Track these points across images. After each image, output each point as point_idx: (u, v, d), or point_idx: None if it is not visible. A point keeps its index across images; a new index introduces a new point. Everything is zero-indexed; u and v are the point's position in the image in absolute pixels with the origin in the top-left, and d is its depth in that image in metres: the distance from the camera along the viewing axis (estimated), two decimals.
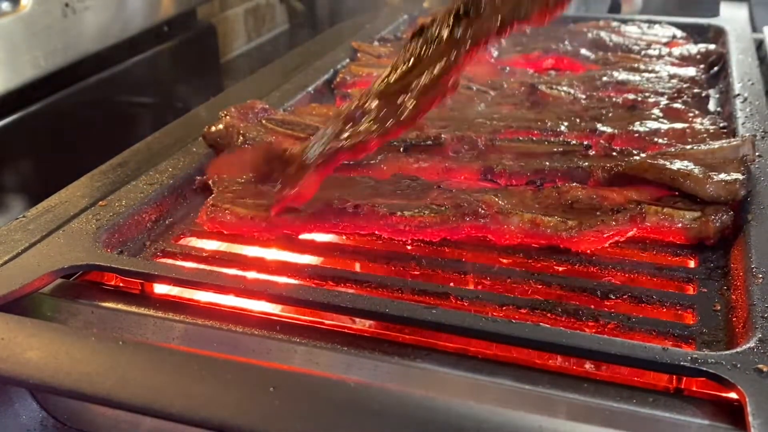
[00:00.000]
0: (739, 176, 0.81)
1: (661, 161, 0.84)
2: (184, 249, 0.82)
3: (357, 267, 0.80)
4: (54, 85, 1.32)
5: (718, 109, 1.14)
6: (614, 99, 1.09)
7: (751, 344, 0.61)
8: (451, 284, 0.75)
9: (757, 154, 0.89)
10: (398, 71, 0.80)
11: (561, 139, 0.96)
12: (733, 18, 1.51)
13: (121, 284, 0.77)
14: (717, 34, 1.43)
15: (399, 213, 0.80)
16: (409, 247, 0.82)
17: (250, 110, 1.03)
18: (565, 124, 1.00)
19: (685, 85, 1.14)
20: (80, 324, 0.72)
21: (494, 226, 0.80)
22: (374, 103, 0.79)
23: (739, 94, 1.11)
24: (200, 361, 0.58)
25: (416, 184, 0.87)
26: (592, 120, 1.02)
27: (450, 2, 0.81)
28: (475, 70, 1.25)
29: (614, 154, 0.91)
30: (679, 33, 1.42)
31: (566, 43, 1.35)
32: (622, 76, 1.18)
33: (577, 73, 1.26)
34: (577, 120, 1.02)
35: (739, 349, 0.60)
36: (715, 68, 1.28)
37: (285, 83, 1.22)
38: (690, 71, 1.21)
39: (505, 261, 0.80)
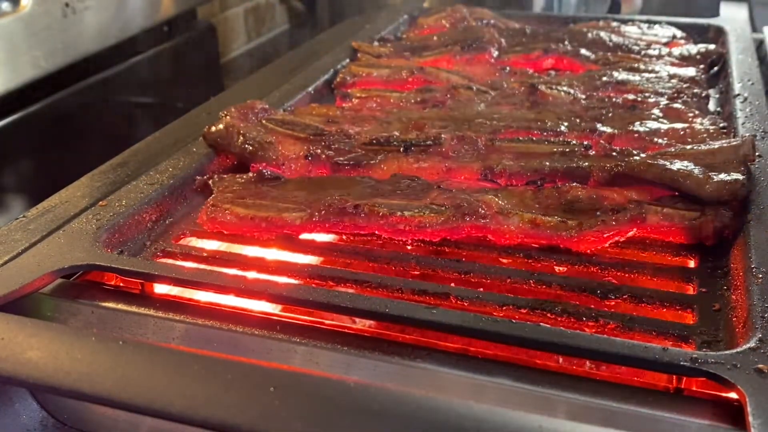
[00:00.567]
0: (739, 176, 0.81)
1: (661, 161, 0.84)
2: (184, 249, 0.82)
3: (357, 267, 0.80)
4: (54, 85, 1.32)
5: (718, 109, 1.14)
6: (614, 99, 1.09)
7: (751, 344, 0.61)
8: (451, 284, 0.75)
9: (757, 154, 0.89)
10: None
11: (561, 139, 0.96)
12: (733, 18, 1.51)
13: (121, 284, 0.77)
14: (717, 34, 1.43)
15: (399, 213, 0.81)
16: (409, 247, 0.83)
17: (250, 110, 1.03)
18: (565, 124, 1.00)
19: (685, 85, 1.14)
20: (80, 324, 0.72)
21: (494, 226, 0.80)
22: None
23: (739, 94, 1.11)
24: (200, 361, 0.58)
25: (416, 184, 0.87)
26: (592, 120, 1.02)
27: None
28: (475, 70, 1.25)
29: (614, 154, 0.91)
30: (679, 33, 1.42)
31: (566, 43, 1.35)
32: (622, 76, 1.18)
33: (577, 73, 1.26)
34: (577, 120, 1.02)
35: (739, 349, 0.60)
36: (715, 68, 1.28)
37: (285, 83, 1.22)
38: (690, 71, 1.21)
39: (505, 261, 0.80)
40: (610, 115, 1.03)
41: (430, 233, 0.81)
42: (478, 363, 0.63)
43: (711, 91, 1.17)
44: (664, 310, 0.71)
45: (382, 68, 1.27)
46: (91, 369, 0.58)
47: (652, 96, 1.10)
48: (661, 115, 1.03)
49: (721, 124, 0.99)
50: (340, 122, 1.04)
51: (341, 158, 0.94)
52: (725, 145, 0.87)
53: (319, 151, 0.94)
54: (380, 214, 0.81)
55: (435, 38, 1.41)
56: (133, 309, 0.72)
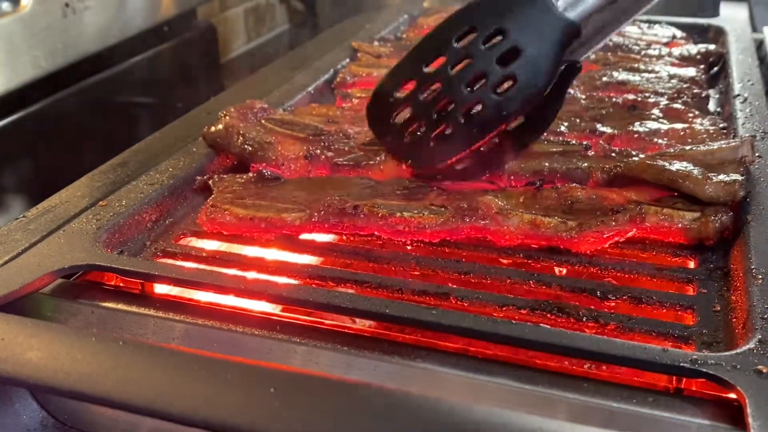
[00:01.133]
0: (738, 177, 0.81)
1: (660, 162, 0.84)
2: (184, 249, 0.82)
3: (357, 267, 0.80)
4: (54, 85, 1.32)
5: (718, 109, 1.14)
6: (614, 99, 1.09)
7: (751, 345, 0.61)
8: (451, 284, 0.75)
9: (756, 154, 0.89)
10: None
11: (560, 139, 0.96)
12: (733, 18, 1.51)
13: (121, 284, 0.77)
14: (717, 34, 1.43)
15: (398, 214, 0.81)
16: (409, 247, 0.83)
17: (250, 110, 1.03)
18: (565, 124, 1.00)
19: (685, 86, 1.14)
20: (80, 324, 0.72)
21: (494, 227, 0.80)
22: None
23: (739, 95, 1.11)
24: (200, 361, 0.58)
25: (415, 185, 0.87)
26: (592, 120, 1.02)
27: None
28: None
29: (614, 155, 0.91)
30: (679, 33, 1.42)
31: None
32: (622, 76, 1.18)
33: None
34: (577, 120, 1.02)
35: (738, 350, 0.60)
36: (715, 68, 1.28)
37: (285, 83, 1.22)
38: (690, 71, 1.21)
39: (505, 261, 0.80)
40: (609, 115, 1.03)
41: (429, 234, 0.81)
42: (478, 363, 0.63)
43: (711, 92, 1.17)
44: (664, 310, 0.71)
45: (382, 68, 1.26)
46: (91, 369, 0.58)
47: (652, 96, 1.10)
48: (661, 115, 1.03)
49: (721, 125, 0.99)
50: (340, 122, 1.04)
51: (341, 158, 0.94)
52: (724, 145, 0.87)
53: (318, 151, 0.94)
54: (380, 215, 0.81)
55: None
56: (133, 309, 0.72)
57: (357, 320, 0.71)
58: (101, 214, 0.83)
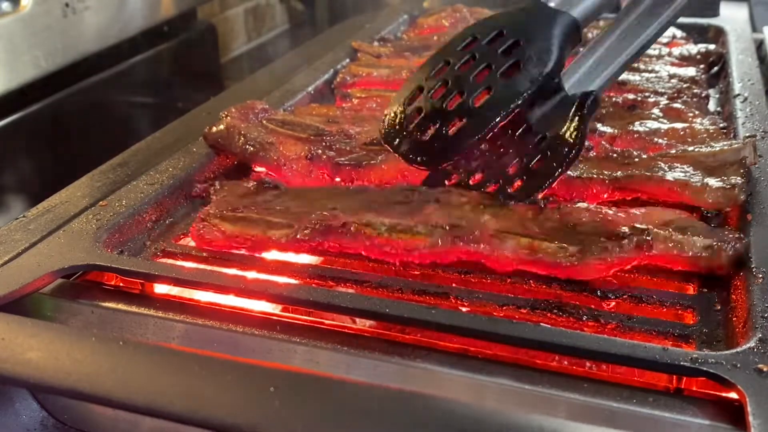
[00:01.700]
0: (738, 181, 0.81)
1: (659, 174, 0.84)
2: (184, 249, 0.82)
3: (357, 267, 0.79)
4: (54, 85, 1.32)
5: (718, 109, 1.14)
6: (614, 99, 1.09)
7: (752, 344, 0.61)
8: (452, 284, 0.75)
9: (758, 155, 0.88)
10: None
11: None
12: (733, 18, 1.51)
13: (121, 284, 0.77)
14: (717, 34, 1.43)
15: (386, 234, 0.77)
16: None
17: (251, 111, 1.02)
18: None
19: (685, 85, 1.14)
20: (80, 324, 0.72)
21: (488, 252, 0.75)
22: None
23: (739, 94, 1.11)
24: (200, 361, 0.58)
25: (414, 197, 0.83)
26: (592, 120, 1.02)
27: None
28: None
29: (615, 155, 0.91)
30: (679, 33, 1.42)
31: None
32: (622, 75, 1.18)
33: None
34: None
35: (739, 349, 0.60)
36: (715, 68, 1.28)
37: (285, 83, 1.22)
38: (690, 71, 1.21)
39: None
40: (609, 114, 1.03)
41: (418, 257, 0.77)
42: (478, 363, 0.63)
43: (711, 91, 1.17)
44: (664, 310, 0.71)
45: (382, 68, 1.26)
46: (91, 369, 0.58)
47: (652, 96, 1.09)
48: (661, 115, 1.02)
49: (721, 124, 0.99)
50: (340, 122, 1.04)
51: (342, 158, 0.93)
52: (726, 147, 0.87)
53: (320, 151, 0.94)
54: (366, 234, 0.77)
55: (435, 38, 1.41)
56: (133, 309, 0.72)
57: (357, 320, 0.71)
58: (101, 214, 0.83)
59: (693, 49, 1.31)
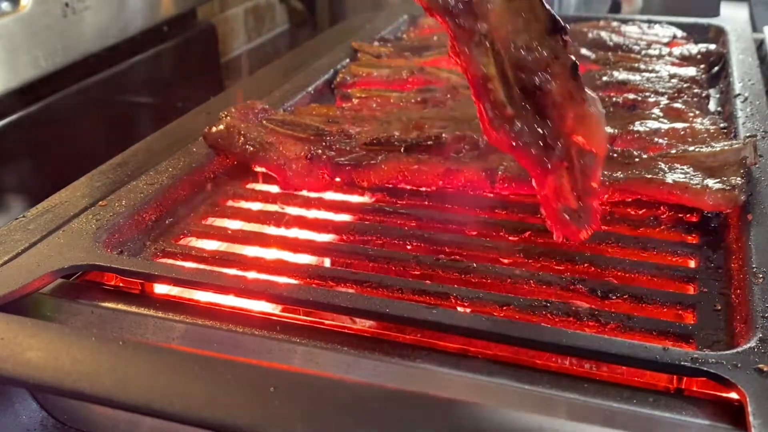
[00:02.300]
0: (738, 182, 0.81)
1: (660, 174, 0.84)
2: (184, 249, 0.82)
3: (357, 267, 0.80)
4: (54, 85, 1.32)
5: (719, 108, 1.14)
6: (614, 99, 1.09)
7: (752, 344, 0.61)
8: (451, 284, 0.75)
9: (759, 155, 0.88)
10: None
11: None
12: (733, 18, 1.51)
13: (121, 284, 0.77)
14: (717, 34, 1.43)
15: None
16: (409, 247, 0.83)
17: (251, 110, 1.03)
18: None
19: (685, 85, 1.14)
20: (80, 324, 0.72)
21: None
22: None
23: (739, 94, 1.11)
24: (200, 361, 0.58)
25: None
26: None
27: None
28: None
29: (615, 155, 0.91)
30: (679, 33, 1.42)
31: None
32: (622, 76, 1.18)
33: None
34: None
35: (739, 349, 0.60)
36: (716, 68, 1.28)
37: (285, 83, 1.22)
38: (690, 71, 1.21)
39: (505, 261, 0.80)
40: (610, 114, 1.03)
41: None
42: (478, 363, 0.63)
43: (711, 91, 1.17)
44: (665, 310, 0.71)
45: (382, 68, 1.26)
46: (91, 369, 0.58)
47: (652, 96, 1.09)
48: (661, 114, 1.02)
49: (722, 124, 0.99)
50: (340, 122, 1.04)
51: (342, 158, 0.94)
52: (726, 147, 0.87)
53: (320, 151, 0.94)
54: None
55: (435, 38, 1.41)
56: (133, 309, 0.72)
57: (357, 320, 0.71)
58: (101, 214, 0.83)
59: (693, 49, 1.31)
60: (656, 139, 0.95)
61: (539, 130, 0.71)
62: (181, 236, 0.86)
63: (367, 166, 0.92)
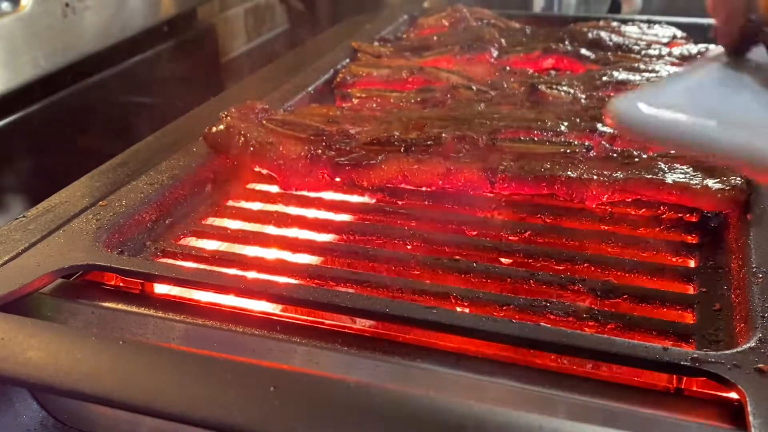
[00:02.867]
0: (738, 181, 0.81)
1: (660, 174, 0.84)
2: (184, 249, 0.82)
3: (357, 267, 0.80)
4: (54, 85, 1.32)
5: None
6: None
7: (752, 344, 0.61)
8: (451, 284, 0.75)
9: None
10: None
11: (562, 139, 0.96)
12: None
13: (121, 284, 0.77)
14: None
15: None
16: (409, 247, 0.83)
17: (251, 111, 1.03)
18: (565, 123, 1.00)
19: None
20: (80, 324, 0.72)
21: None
22: None
23: None
24: (200, 361, 0.58)
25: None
26: (592, 120, 1.02)
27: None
28: (475, 70, 1.25)
29: (615, 155, 0.91)
30: (679, 33, 1.42)
31: (566, 43, 1.35)
32: (622, 76, 1.18)
33: (577, 73, 1.26)
34: (577, 120, 1.02)
35: (739, 349, 0.60)
36: None
37: (285, 83, 1.22)
38: None
39: (505, 261, 0.80)
40: None
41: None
42: (478, 363, 0.63)
43: None
44: (664, 309, 0.71)
45: (382, 68, 1.26)
46: (91, 369, 0.58)
47: None
48: None
49: None
50: (340, 122, 1.04)
51: (342, 158, 0.94)
52: None
53: (320, 151, 0.94)
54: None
55: (435, 38, 1.41)
56: (133, 309, 0.72)
57: (357, 320, 0.71)
58: (101, 214, 0.83)
59: (693, 49, 1.31)
60: None
61: None
62: (181, 236, 0.86)
63: (367, 166, 0.93)
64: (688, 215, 0.84)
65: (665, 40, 1.38)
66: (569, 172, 0.87)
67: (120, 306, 0.73)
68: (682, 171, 0.84)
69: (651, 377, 0.62)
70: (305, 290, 0.71)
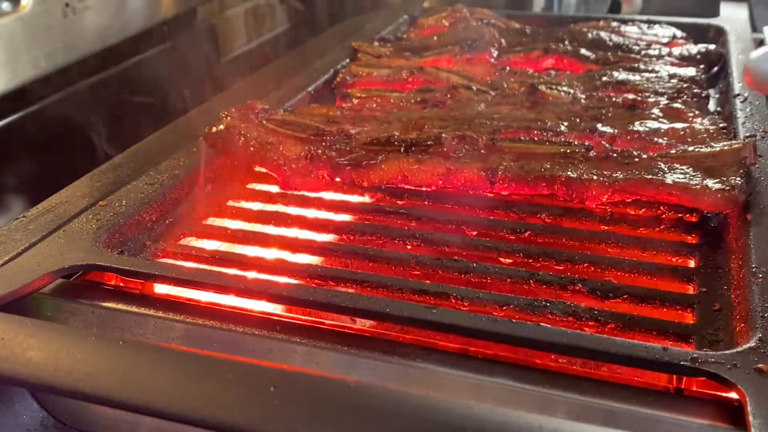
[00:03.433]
0: (738, 182, 0.81)
1: (660, 174, 0.84)
2: (184, 249, 0.82)
3: (357, 267, 0.80)
4: (54, 84, 1.32)
5: (718, 109, 1.14)
6: (614, 99, 1.09)
7: (752, 344, 0.61)
8: (451, 284, 0.75)
9: (758, 155, 0.88)
10: None
11: (561, 139, 0.96)
12: (733, 18, 1.51)
13: (121, 284, 0.77)
14: (717, 34, 1.43)
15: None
16: (409, 247, 0.83)
17: (251, 111, 1.03)
18: (565, 124, 1.00)
19: (685, 85, 1.14)
20: (80, 324, 0.72)
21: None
22: None
23: (739, 94, 1.11)
24: (200, 361, 0.59)
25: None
26: (592, 120, 1.02)
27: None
28: (475, 70, 1.25)
29: (615, 155, 0.91)
30: (679, 33, 1.42)
31: (566, 43, 1.35)
32: (622, 76, 1.18)
33: (577, 73, 1.26)
34: (577, 120, 1.02)
35: (739, 349, 0.60)
36: (715, 68, 1.28)
37: (285, 83, 1.22)
38: (690, 71, 1.21)
39: (505, 261, 0.80)
40: (610, 114, 1.03)
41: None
42: (478, 363, 0.63)
43: (711, 91, 1.17)
44: (664, 309, 0.71)
45: (382, 68, 1.27)
46: (91, 369, 0.58)
47: (652, 96, 1.09)
48: (661, 115, 1.02)
49: (721, 124, 0.99)
50: (340, 122, 1.04)
51: (342, 158, 0.94)
52: (726, 147, 0.87)
53: (320, 151, 0.94)
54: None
55: (435, 38, 1.41)
56: (134, 309, 0.72)
57: (357, 320, 0.71)
58: (101, 214, 0.83)
59: (693, 49, 1.31)
60: (656, 139, 0.95)
61: None
62: (181, 236, 0.86)
63: (367, 166, 0.93)
64: (688, 215, 0.84)
65: (665, 40, 1.38)
66: (569, 172, 0.87)
67: (120, 306, 0.73)
68: (682, 171, 0.84)
69: (651, 377, 0.62)
70: (305, 290, 0.71)
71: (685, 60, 1.28)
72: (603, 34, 1.38)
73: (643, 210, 0.86)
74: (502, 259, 0.80)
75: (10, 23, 1.20)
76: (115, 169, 0.95)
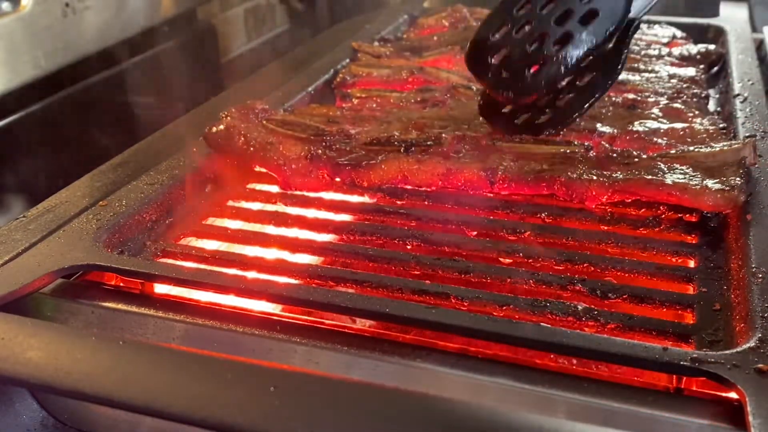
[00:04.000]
0: (737, 182, 0.81)
1: (659, 174, 0.84)
2: (184, 249, 0.82)
3: (357, 267, 0.80)
4: (54, 85, 1.32)
5: (718, 109, 1.14)
6: (614, 99, 1.09)
7: (752, 344, 0.61)
8: (451, 284, 0.75)
9: (758, 155, 0.88)
10: None
11: (561, 139, 0.96)
12: (733, 18, 1.51)
13: (121, 284, 0.77)
14: (717, 34, 1.43)
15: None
16: (409, 247, 0.83)
17: (251, 111, 1.02)
18: None
19: (684, 85, 1.14)
20: (80, 324, 0.72)
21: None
22: None
23: (739, 94, 1.11)
24: (200, 361, 0.59)
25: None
26: (592, 120, 1.02)
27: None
28: None
29: (615, 155, 0.91)
30: (679, 33, 1.42)
31: None
32: (621, 76, 1.18)
33: None
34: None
35: (739, 349, 0.60)
36: (715, 68, 1.28)
37: (285, 83, 1.22)
38: (690, 71, 1.21)
39: (505, 261, 0.80)
40: (609, 114, 1.03)
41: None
42: (478, 363, 0.63)
43: (711, 91, 1.17)
44: (664, 309, 0.71)
45: (382, 68, 1.27)
46: (91, 369, 0.58)
47: (651, 96, 1.10)
48: (660, 114, 1.02)
49: (721, 125, 0.99)
50: (340, 122, 1.04)
51: (342, 158, 0.94)
52: (726, 147, 0.87)
53: (320, 151, 0.94)
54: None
55: (435, 38, 1.41)
56: (134, 309, 0.72)
57: (357, 320, 0.71)
58: (101, 214, 0.83)
59: (693, 49, 1.32)
60: (656, 139, 0.95)
61: None
62: (181, 236, 0.86)
63: (367, 166, 0.93)
64: (687, 215, 0.84)
65: (665, 40, 1.38)
66: (569, 172, 0.87)
67: (120, 306, 0.73)
68: (682, 171, 0.84)
69: (651, 377, 0.62)
70: (305, 290, 0.71)
71: (685, 60, 1.28)
72: None
73: (643, 210, 0.86)
74: (502, 259, 0.80)
75: (10, 23, 1.20)
76: (115, 169, 0.96)
